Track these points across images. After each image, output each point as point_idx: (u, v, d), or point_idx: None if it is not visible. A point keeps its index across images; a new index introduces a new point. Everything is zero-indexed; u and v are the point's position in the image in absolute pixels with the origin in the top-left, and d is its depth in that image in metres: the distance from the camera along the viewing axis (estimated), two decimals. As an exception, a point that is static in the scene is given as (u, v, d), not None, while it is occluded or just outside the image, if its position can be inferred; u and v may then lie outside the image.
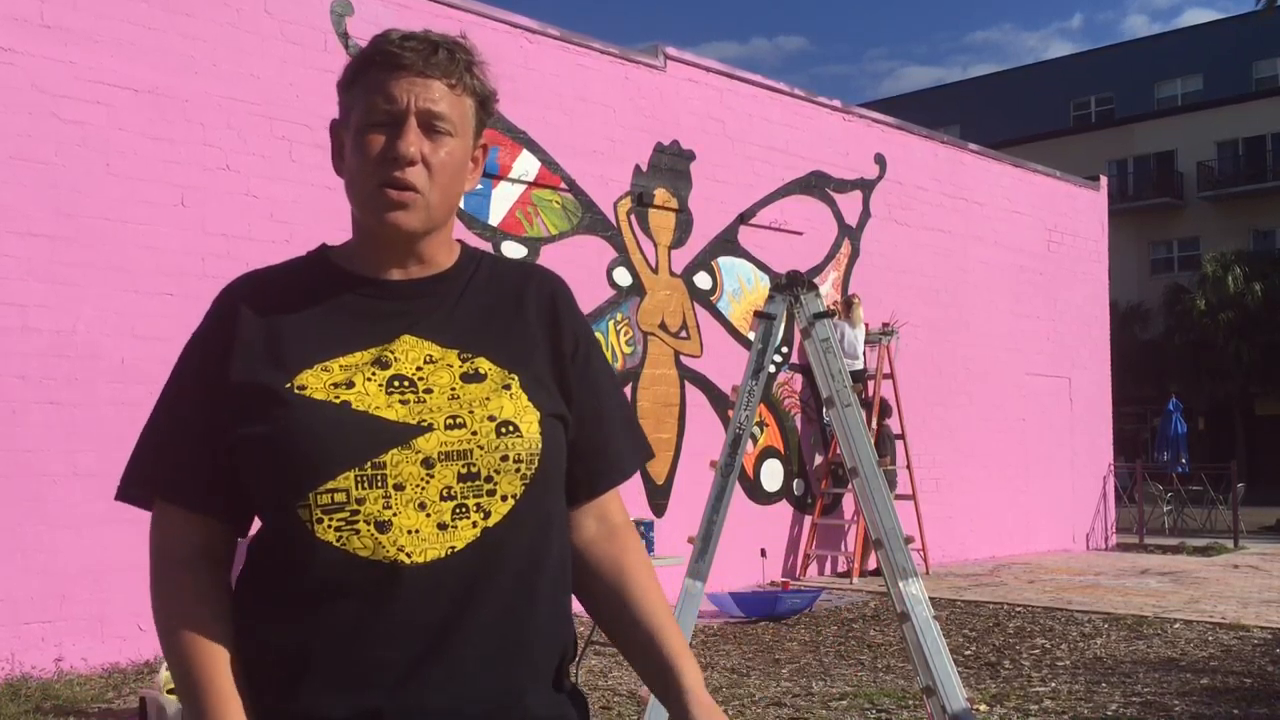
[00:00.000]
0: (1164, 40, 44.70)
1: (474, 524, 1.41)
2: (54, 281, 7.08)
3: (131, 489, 1.50)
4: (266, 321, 1.47)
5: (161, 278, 7.48)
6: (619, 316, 10.25)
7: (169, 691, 5.00)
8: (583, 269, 9.68)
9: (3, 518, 6.78)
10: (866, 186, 12.74)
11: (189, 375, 1.49)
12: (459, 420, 1.42)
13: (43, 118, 7.08)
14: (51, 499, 6.96)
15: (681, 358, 10.74)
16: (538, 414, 1.46)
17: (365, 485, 1.38)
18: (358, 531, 1.37)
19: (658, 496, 10.19)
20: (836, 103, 12.61)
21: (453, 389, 1.44)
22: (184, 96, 7.65)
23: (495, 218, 9.44)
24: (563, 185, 9.89)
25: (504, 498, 1.42)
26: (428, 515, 1.39)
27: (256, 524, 1.50)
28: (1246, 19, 31.61)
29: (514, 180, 9.54)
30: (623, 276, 10.33)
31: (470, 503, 1.41)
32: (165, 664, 5.21)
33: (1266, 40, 37.53)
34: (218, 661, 1.40)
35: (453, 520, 1.40)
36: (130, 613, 7.04)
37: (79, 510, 6.97)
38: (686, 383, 10.75)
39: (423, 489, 1.39)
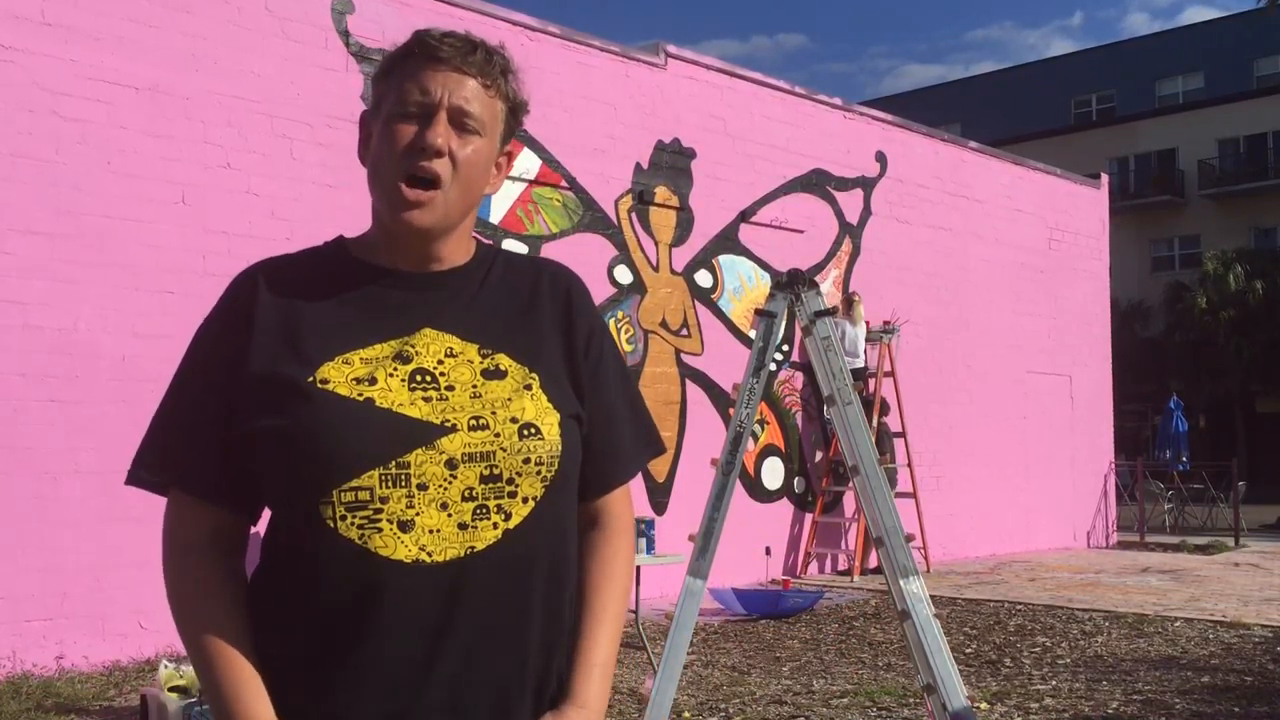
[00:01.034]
0: (1165, 38, 44.66)
1: (495, 525, 1.41)
2: (54, 279, 7.08)
3: (141, 473, 1.49)
4: (285, 309, 1.46)
5: (162, 275, 7.48)
6: (620, 314, 10.25)
7: (170, 689, 5.00)
8: (583, 267, 9.56)
9: (3, 515, 6.78)
10: (867, 184, 12.74)
11: (203, 360, 1.48)
12: (482, 421, 1.42)
13: (43, 115, 7.08)
14: (52, 497, 6.95)
15: (682, 356, 10.74)
16: (558, 415, 1.47)
17: (389, 484, 1.38)
18: (380, 530, 1.37)
19: (658, 494, 10.19)
20: (837, 100, 12.60)
21: (474, 386, 1.44)
22: (185, 94, 7.65)
23: (496, 216, 9.44)
24: (563, 183, 9.89)
25: (525, 500, 1.43)
26: (449, 515, 1.39)
27: (267, 518, 1.49)
28: (1247, 17, 31.63)
29: (515, 178, 9.53)
30: (623, 274, 10.33)
31: (491, 504, 1.41)
32: (165, 662, 5.21)
33: (1267, 38, 37.49)
34: (231, 645, 1.40)
35: (474, 521, 1.40)
36: (131, 610, 7.05)
37: (80, 508, 6.98)
38: (687, 381, 10.74)
39: (445, 489, 1.39)
